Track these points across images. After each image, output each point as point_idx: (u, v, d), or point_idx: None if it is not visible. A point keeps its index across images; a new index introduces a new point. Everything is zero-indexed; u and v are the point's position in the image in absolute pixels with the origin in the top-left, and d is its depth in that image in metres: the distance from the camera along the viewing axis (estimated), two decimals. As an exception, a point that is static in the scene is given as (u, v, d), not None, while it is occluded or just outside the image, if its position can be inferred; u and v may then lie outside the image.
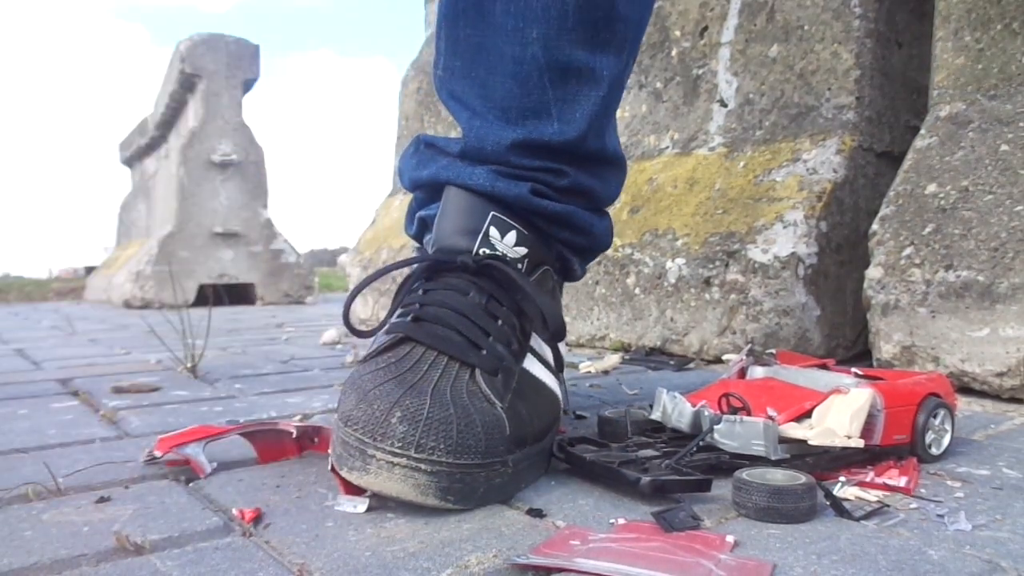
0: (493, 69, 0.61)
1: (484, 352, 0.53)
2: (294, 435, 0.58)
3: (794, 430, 0.52)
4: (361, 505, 0.46)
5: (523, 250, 0.59)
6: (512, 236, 0.58)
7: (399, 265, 0.60)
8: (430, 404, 0.46)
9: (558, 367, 0.61)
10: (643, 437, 0.58)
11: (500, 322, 0.55)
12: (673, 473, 0.48)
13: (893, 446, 0.54)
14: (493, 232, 0.58)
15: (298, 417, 0.75)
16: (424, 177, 0.65)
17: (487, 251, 0.57)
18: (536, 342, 0.59)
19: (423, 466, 0.44)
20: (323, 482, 0.52)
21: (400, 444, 0.44)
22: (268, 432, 0.58)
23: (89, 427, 0.72)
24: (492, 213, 0.58)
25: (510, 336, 0.55)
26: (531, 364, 0.57)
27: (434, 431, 0.45)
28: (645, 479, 0.46)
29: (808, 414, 0.53)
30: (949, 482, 0.52)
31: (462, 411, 0.47)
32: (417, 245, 0.70)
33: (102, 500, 0.49)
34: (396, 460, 0.44)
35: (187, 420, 0.74)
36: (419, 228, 0.69)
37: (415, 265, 0.60)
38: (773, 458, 0.49)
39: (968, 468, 0.55)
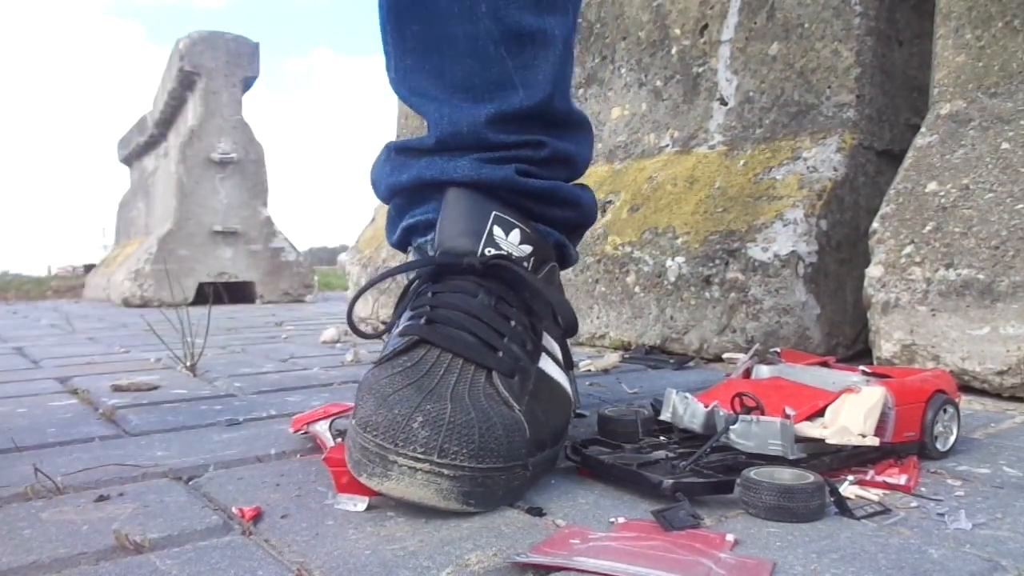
0: (447, 55, 0.61)
1: (500, 354, 0.52)
2: None
3: (809, 429, 0.52)
4: (361, 503, 0.46)
5: (528, 248, 0.58)
6: (516, 234, 0.58)
7: (404, 268, 0.60)
8: (451, 409, 0.45)
9: (567, 364, 0.61)
10: (653, 438, 0.58)
11: (513, 323, 0.55)
12: (693, 475, 0.48)
13: (904, 443, 0.54)
14: (497, 231, 0.57)
15: None
16: (404, 181, 0.64)
17: (492, 251, 0.57)
18: (547, 340, 0.58)
19: (446, 471, 0.43)
20: (323, 480, 0.52)
21: (423, 449, 0.43)
22: None
23: (88, 425, 0.72)
24: (494, 212, 0.58)
25: (524, 336, 0.55)
26: (545, 364, 0.57)
27: (456, 436, 0.44)
28: (667, 482, 0.46)
29: (820, 413, 0.53)
30: (949, 480, 0.52)
31: (483, 415, 0.46)
32: (414, 246, 0.69)
33: (101, 499, 0.49)
34: (419, 465, 0.43)
35: (186, 419, 0.74)
36: (403, 238, 0.68)
37: (419, 268, 0.59)
38: (791, 457, 0.49)
39: (968, 466, 0.55)
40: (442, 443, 0.43)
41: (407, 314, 0.57)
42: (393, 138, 2.31)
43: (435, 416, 0.44)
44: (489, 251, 0.57)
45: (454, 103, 0.61)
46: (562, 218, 0.66)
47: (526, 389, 0.52)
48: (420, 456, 0.43)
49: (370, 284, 0.58)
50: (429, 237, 0.63)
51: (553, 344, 0.59)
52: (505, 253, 0.57)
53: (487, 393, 0.49)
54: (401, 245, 0.70)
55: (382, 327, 0.60)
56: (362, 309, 1.98)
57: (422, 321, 0.54)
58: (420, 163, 0.63)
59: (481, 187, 0.60)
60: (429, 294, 0.56)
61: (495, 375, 0.51)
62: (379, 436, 0.44)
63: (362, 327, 0.61)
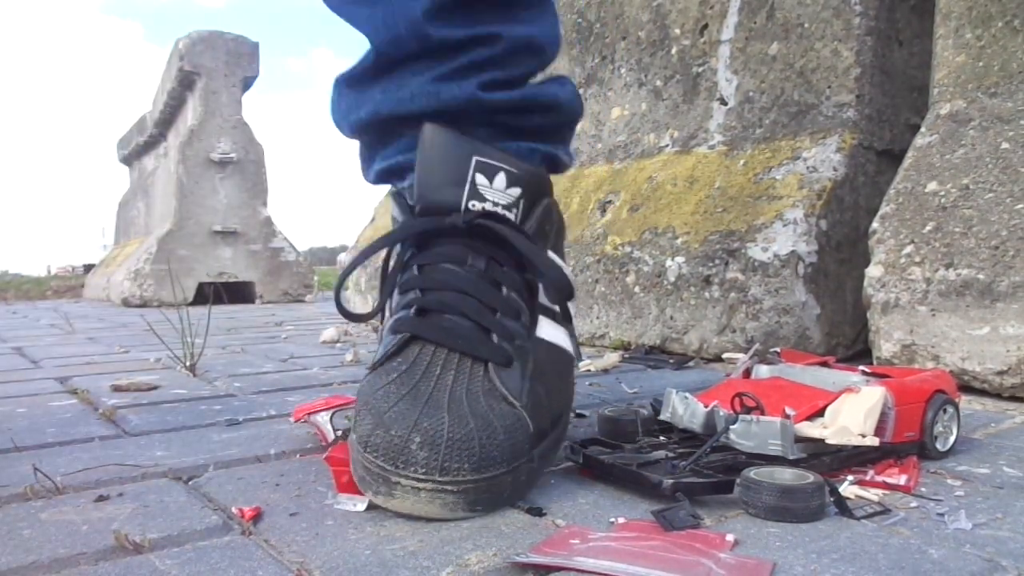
0: None
1: (495, 338, 0.51)
2: None
3: (809, 429, 0.52)
4: (361, 504, 0.46)
5: (516, 191, 0.54)
6: (502, 179, 0.53)
7: (386, 242, 0.57)
8: (449, 423, 0.44)
9: (566, 317, 0.58)
10: (653, 438, 0.58)
11: (505, 289, 0.53)
12: (693, 475, 0.48)
13: (904, 443, 0.54)
14: (480, 180, 0.53)
15: None
16: (364, 118, 0.60)
17: (477, 204, 0.53)
18: (543, 295, 0.56)
19: (449, 487, 0.43)
20: (323, 480, 0.52)
21: (424, 470, 0.43)
22: None
23: (88, 425, 0.72)
24: (475, 158, 0.53)
25: (518, 304, 0.53)
26: (543, 328, 0.54)
27: (456, 452, 0.44)
28: (667, 481, 0.46)
29: (820, 413, 0.53)
30: (949, 480, 0.52)
31: (482, 422, 0.46)
32: (393, 192, 0.63)
33: (101, 499, 0.48)
34: (421, 485, 0.43)
35: (186, 419, 0.74)
36: (380, 180, 0.64)
37: (401, 238, 0.56)
38: (791, 457, 0.49)
39: (968, 466, 0.55)
40: (443, 462, 0.43)
41: (397, 298, 0.55)
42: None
43: (433, 434, 0.44)
44: (474, 204, 0.53)
45: (384, 1, 0.55)
46: (542, 124, 0.60)
47: (526, 373, 0.50)
48: (422, 477, 0.43)
49: (354, 265, 0.57)
50: (407, 183, 0.59)
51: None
52: (491, 208, 0.53)
53: (486, 390, 0.48)
54: (379, 184, 0.65)
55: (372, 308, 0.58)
56: (362, 309, 1.98)
57: (412, 312, 0.52)
58: (374, 93, 0.58)
59: (447, 116, 0.54)
60: (415, 268, 0.54)
61: (491, 368, 0.50)
62: (379, 457, 0.44)
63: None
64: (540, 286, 0.56)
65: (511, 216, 0.54)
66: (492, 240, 0.53)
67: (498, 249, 0.53)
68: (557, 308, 0.57)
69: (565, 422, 0.54)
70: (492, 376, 0.50)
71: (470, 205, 0.53)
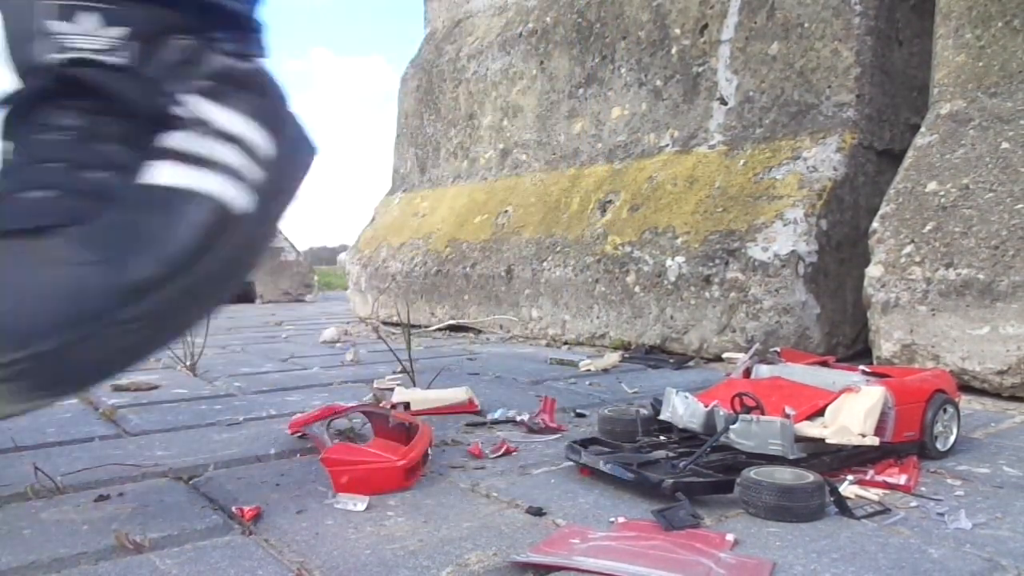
0: None
1: (67, 200, 0.43)
2: (404, 423, 0.59)
3: (809, 429, 0.52)
4: (361, 503, 0.46)
5: (121, 30, 0.44)
6: (92, 19, 0.43)
7: None
8: None
9: (208, 156, 0.47)
10: (653, 438, 0.58)
11: (107, 143, 0.45)
12: (693, 474, 0.48)
13: (904, 443, 0.54)
14: (57, 27, 0.43)
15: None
16: None
17: (59, 56, 0.43)
18: (181, 138, 0.46)
19: None
20: (323, 480, 0.52)
21: None
22: (380, 414, 0.61)
23: (88, 425, 0.72)
24: (39, 3, 0.43)
25: (122, 153, 0.45)
26: (160, 171, 0.46)
27: None
28: (668, 481, 0.46)
29: (820, 413, 0.53)
30: (949, 480, 0.52)
31: (20, 296, 0.40)
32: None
33: (101, 498, 0.49)
34: None
35: (186, 418, 0.74)
36: None
37: None
38: (791, 457, 0.49)
39: (968, 466, 0.55)
40: None
41: None
42: (393, 137, 2.28)
43: None
44: (59, 58, 0.43)
45: None
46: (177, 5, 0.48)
47: (111, 225, 0.43)
48: None
49: None
50: None
51: (183, 136, 0.47)
52: (78, 56, 0.43)
53: (49, 258, 0.41)
54: None
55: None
56: (361, 309, 1.98)
57: None
58: None
59: None
60: (12, 156, 0.45)
61: (59, 232, 0.42)
62: None
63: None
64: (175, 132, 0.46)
65: (114, 60, 0.44)
66: (88, 92, 0.44)
67: (104, 99, 0.44)
68: (196, 150, 0.47)
69: (199, 271, 0.45)
70: (56, 242, 0.42)
71: (54, 59, 0.43)
